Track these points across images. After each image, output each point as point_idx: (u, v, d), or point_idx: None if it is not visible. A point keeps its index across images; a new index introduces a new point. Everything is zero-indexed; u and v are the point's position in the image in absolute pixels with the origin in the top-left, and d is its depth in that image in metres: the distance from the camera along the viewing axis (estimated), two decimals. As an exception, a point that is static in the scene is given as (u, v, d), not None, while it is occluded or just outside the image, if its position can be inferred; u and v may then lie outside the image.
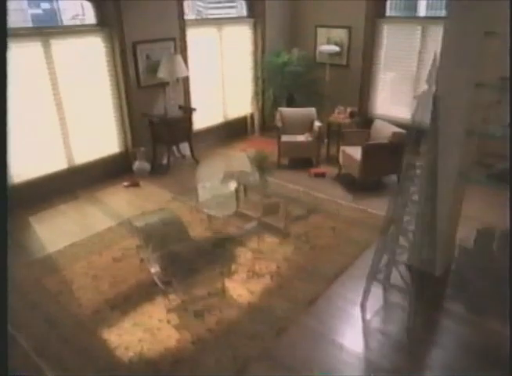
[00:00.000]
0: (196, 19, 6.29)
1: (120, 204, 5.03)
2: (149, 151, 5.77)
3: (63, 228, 4.52)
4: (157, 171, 5.84)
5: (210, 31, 6.38)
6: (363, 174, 5.12)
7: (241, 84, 7.14)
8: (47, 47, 4.70)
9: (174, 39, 5.74)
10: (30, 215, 4.75)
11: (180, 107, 5.96)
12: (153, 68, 5.55)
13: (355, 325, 3.14)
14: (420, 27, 6.21)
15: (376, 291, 3.37)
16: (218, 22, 6.52)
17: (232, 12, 6.97)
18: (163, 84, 5.71)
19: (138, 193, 5.27)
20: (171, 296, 3.35)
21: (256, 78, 7.25)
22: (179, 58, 5.49)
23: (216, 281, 3.50)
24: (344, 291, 3.45)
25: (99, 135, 5.47)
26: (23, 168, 4.77)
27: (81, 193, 5.23)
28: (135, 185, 5.41)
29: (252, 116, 7.40)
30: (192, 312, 3.22)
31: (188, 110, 5.89)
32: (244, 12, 6.89)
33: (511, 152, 5.21)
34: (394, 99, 6.84)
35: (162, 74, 5.45)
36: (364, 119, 6.93)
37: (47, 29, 4.71)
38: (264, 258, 3.89)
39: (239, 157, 5.33)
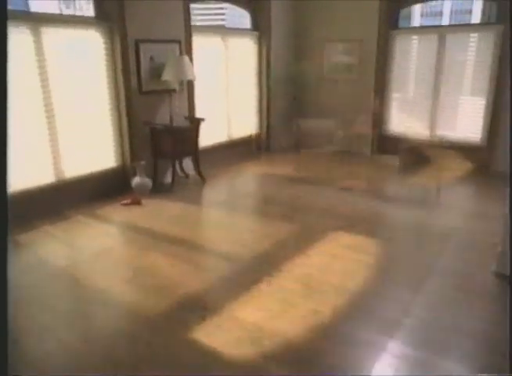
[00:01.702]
0: (201, 26, 5.74)
1: (122, 223, 4.14)
2: (148, 167, 4.96)
3: (50, 254, 3.56)
4: (158, 189, 5.00)
5: (214, 41, 5.85)
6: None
7: (246, 100, 6.56)
8: (37, 36, 3.95)
9: (179, 42, 5.13)
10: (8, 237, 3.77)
11: (186, 118, 5.27)
12: (157, 72, 4.86)
13: None
14: (436, 37, 5.93)
15: None
16: (223, 31, 6.01)
17: (236, 23, 6.54)
18: (168, 91, 5.01)
19: (142, 211, 4.39)
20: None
21: (261, 94, 6.69)
22: (187, 59, 4.84)
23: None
24: None
25: (93, 146, 4.62)
26: None
27: (72, 211, 4.30)
28: (136, 203, 4.53)
29: (258, 133, 6.79)
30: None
31: (195, 121, 5.17)
32: (248, 24, 6.45)
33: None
34: (412, 113, 6.43)
35: (168, 76, 4.76)
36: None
37: (37, 14, 3.99)
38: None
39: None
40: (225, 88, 6.12)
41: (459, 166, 5.96)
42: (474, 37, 5.73)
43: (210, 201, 5.04)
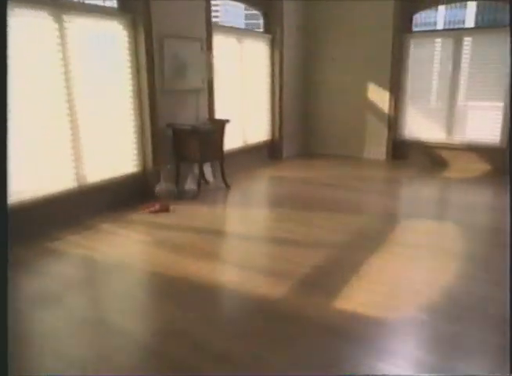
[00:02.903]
0: (219, 25, 5.46)
1: (159, 233, 3.71)
2: (170, 172, 4.58)
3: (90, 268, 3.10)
4: (181, 195, 4.60)
5: (230, 41, 5.57)
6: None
7: (260, 104, 6.29)
8: (60, 23, 3.55)
9: (202, 40, 4.82)
10: (28, 248, 3.28)
11: (207, 120, 4.93)
12: (181, 70, 4.54)
13: None
14: (452, 40, 5.90)
15: None
16: (238, 32, 5.76)
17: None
18: (193, 90, 4.68)
19: (174, 219, 3.98)
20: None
21: (273, 99, 6.44)
22: (212, 56, 4.54)
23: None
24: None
25: (114, 149, 4.20)
26: (18, 184, 3.38)
27: (95, 219, 3.84)
28: (165, 210, 4.12)
29: (274, 139, 6.53)
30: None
31: (220, 122, 4.83)
32: (261, 26, 6.24)
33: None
34: (429, 117, 6.33)
35: (194, 74, 4.44)
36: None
37: (59, 1, 3.58)
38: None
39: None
40: (240, 91, 5.83)
41: (479, 167, 5.88)
42: (490, 39, 5.73)
43: (243, 204, 4.71)
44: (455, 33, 6.00)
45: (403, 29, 6.13)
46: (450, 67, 5.95)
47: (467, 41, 5.81)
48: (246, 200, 4.89)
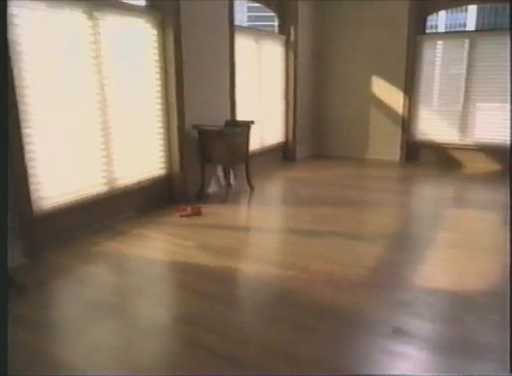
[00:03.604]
0: (239, 26, 5.37)
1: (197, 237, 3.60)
2: (194, 174, 4.48)
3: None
4: (205, 198, 4.50)
5: (248, 42, 5.48)
6: None
7: (275, 106, 6.22)
8: (93, 21, 3.42)
9: (225, 40, 4.73)
10: (68, 255, 3.14)
11: (229, 121, 4.84)
12: (207, 71, 4.45)
13: None
14: (467, 41, 5.94)
15: None
16: (255, 33, 5.68)
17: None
18: (218, 91, 4.59)
19: (210, 221, 3.86)
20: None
21: (287, 100, 6.38)
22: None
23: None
24: None
25: (142, 151, 4.07)
26: (52, 189, 3.23)
27: (126, 224, 3.71)
28: (197, 213, 4.00)
29: (288, 141, 6.47)
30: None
31: (245, 124, 4.73)
32: (276, 27, 6.18)
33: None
34: (441, 120, 6.36)
35: (217, 74, 4.34)
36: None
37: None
38: None
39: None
40: (257, 93, 5.75)
41: (492, 167, 5.93)
42: (502, 42, 5.78)
43: (272, 205, 4.68)
44: (468, 35, 6.06)
45: (417, 30, 6.16)
46: (463, 69, 5.99)
47: (480, 42, 5.86)
48: (273, 200, 4.88)
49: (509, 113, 5.69)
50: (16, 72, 2.82)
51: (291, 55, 6.21)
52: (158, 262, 3.14)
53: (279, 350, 2.05)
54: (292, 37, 6.15)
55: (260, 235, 3.73)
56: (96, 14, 3.43)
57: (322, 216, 4.06)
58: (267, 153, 6.06)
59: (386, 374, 1.88)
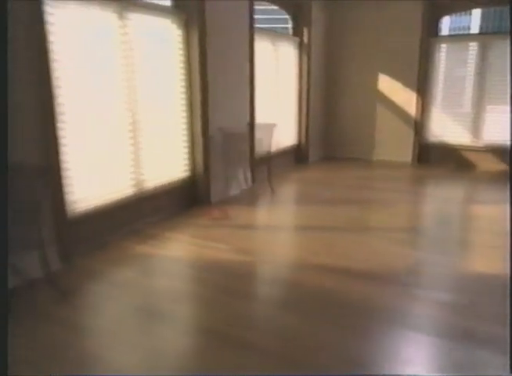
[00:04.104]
0: (258, 28, 5.32)
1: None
2: (219, 176, 4.43)
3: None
4: (227, 202, 4.46)
5: (265, 44, 5.44)
6: None
7: (289, 108, 6.19)
8: (124, 19, 3.36)
9: (245, 42, 4.70)
10: (103, 260, 3.06)
11: (249, 124, 4.80)
12: (229, 73, 4.41)
13: None
14: (477, 44, 5.98)
15: None
16: (272, 35, 5.64)
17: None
18: (239, 94, 4.55)
19: (241, 223, 3.82)
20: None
21: (301, 102, 6.35)
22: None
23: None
24: None
25: (167, 153, 4.01)
26: (83, 192, 3.15)
27: (155, 228, 3.65)
28: (225, 216, 3.95)
29: (300, 143, 6.45)
30: None
31: (268, 127, 4.69)
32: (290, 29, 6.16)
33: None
34: (453, 122, 6.38)
35: (238, 77, 4.30)
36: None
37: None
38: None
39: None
40: (274, 95, 5.71)
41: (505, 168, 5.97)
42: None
43: (296, 205, 4.75)
44: (481, 37, 6.09)
45: (430, 33, 6.18)
46: (476, 71, 6.02)
47: (493, 45, 5.90)
48: (294, 201, 4.92)
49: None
50: (50, 72, 2.75)
51: (304, 57, 6.19)
52: (192, 265, 3.09)
53: (332, 350, 2.01)
54: (305, 39, 6.13)
55: (287, 234, 3.73)
56: (125, 14, 3.38)
57: (348, 217, 4.04)
58: (281, 155, 6.01)
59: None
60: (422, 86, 6.29)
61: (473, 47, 6.02)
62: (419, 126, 6.43)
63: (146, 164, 3.71)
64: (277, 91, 5.78)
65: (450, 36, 6.46)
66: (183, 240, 3.49)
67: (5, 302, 1.27)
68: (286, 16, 6.09)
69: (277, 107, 5.82)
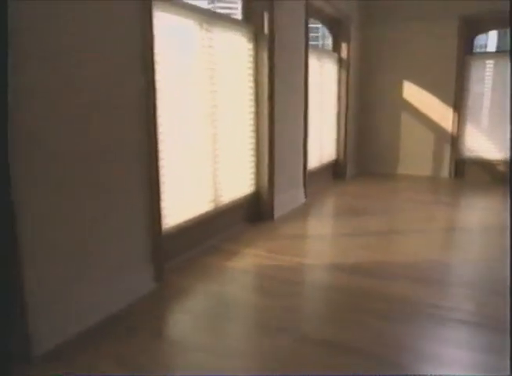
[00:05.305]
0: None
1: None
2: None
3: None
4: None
5: (312, 61, 5.42)
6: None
7: (331, 123, 6.18)
8: (206, 31, 3.30)
9: (301, 56, 4.69)
10: (188, 277, 2.93)
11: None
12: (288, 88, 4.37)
13: None
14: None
15: None
16: (318, 51, 5.65)
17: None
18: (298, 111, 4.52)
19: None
20: None
21: (339, 117, 6.34)
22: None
23: None
24: None
25: (239, 167, 3.93)
26: (172, 208, 3.03)
27: (231, 243, 3.54)
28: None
29: (339, 159, 6.41)
30: None
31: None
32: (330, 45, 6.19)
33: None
34: (489, 137, 6.44)
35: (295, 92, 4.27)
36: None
37: (201, 9, 3.32)
38: None
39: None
40: (318, 111, 5.68)
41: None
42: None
43: (354, 214, 4.68)
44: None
45: (465, 50, 6.28)
46: (507, 86, 6.11)
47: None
48: (348, 213, 4.81)
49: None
50: (155, 80, 2.65)
51: (343, 72, 6.21)
52: (285, 280, 2.97)
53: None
54: (343, 55, 6.16)
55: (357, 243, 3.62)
56: (206, 26, 3.32)
57: (400, 223, 4.07)
58: (324, 170, 5.98)
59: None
60: (458, 102, 6.35)
61: (506, 64, 6.12)
62: (455, 141, 6.47)
63: (223, 178, 3.61)
64: (321, 106, 5.76)
65: (487, 53, 6.58)
66: (261, 255, 3.37)
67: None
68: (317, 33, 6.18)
69: (322, 123, 5.79)
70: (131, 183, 2.54)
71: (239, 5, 3.88)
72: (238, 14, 3.88)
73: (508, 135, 6.20)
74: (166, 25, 2.84)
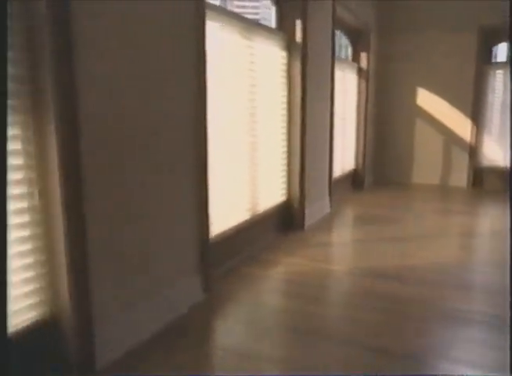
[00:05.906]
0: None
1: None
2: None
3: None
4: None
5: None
6: None
7: (351, 133, 6.19)
8: (247, 40, 3.30)
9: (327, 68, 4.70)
10: (233, 286, 2.89)
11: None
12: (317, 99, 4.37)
13: None
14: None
15: None
16: (340, 60, 5.65)
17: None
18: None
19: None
20: None
21: (358, 128, 6.34)
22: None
23: None
24: None
25: (273, 175, 3.91)
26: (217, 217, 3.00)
27: (267, 252, 3.50)
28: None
29: (357, 168, 6.40)
30: None
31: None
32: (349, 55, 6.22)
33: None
34: (506, 146, 6.46)
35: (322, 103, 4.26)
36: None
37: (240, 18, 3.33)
38: None
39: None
40: (342, 121, 5.68)
41: None
42: None
43: (378, 222, 4.68)
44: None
45: (484, 60, 6.32)
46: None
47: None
48: (372, 220, 4.78)
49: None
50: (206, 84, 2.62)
51: (363, 82, 6.23)
52: (321, 287, 2.96)
53: None
54: (363, 65, 6.18)
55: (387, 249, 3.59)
56: (246, 34, 3.32)
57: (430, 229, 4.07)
58: (344, 179, 5.97)
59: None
60: (477, 111, 6.38)
61: (526, 74, 6.16)
62: (473, 150, 6.48)
63: (260, 187, 3.59)
64: (343, 116, 5.76)
65: (503, 63, 6.62)
66: (300, 264, 3.33)
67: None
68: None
69: (343, 132, 5.79)
70: (184, 194, 2.51)
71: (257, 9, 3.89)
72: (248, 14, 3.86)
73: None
74: (213, 33, 2.83)
